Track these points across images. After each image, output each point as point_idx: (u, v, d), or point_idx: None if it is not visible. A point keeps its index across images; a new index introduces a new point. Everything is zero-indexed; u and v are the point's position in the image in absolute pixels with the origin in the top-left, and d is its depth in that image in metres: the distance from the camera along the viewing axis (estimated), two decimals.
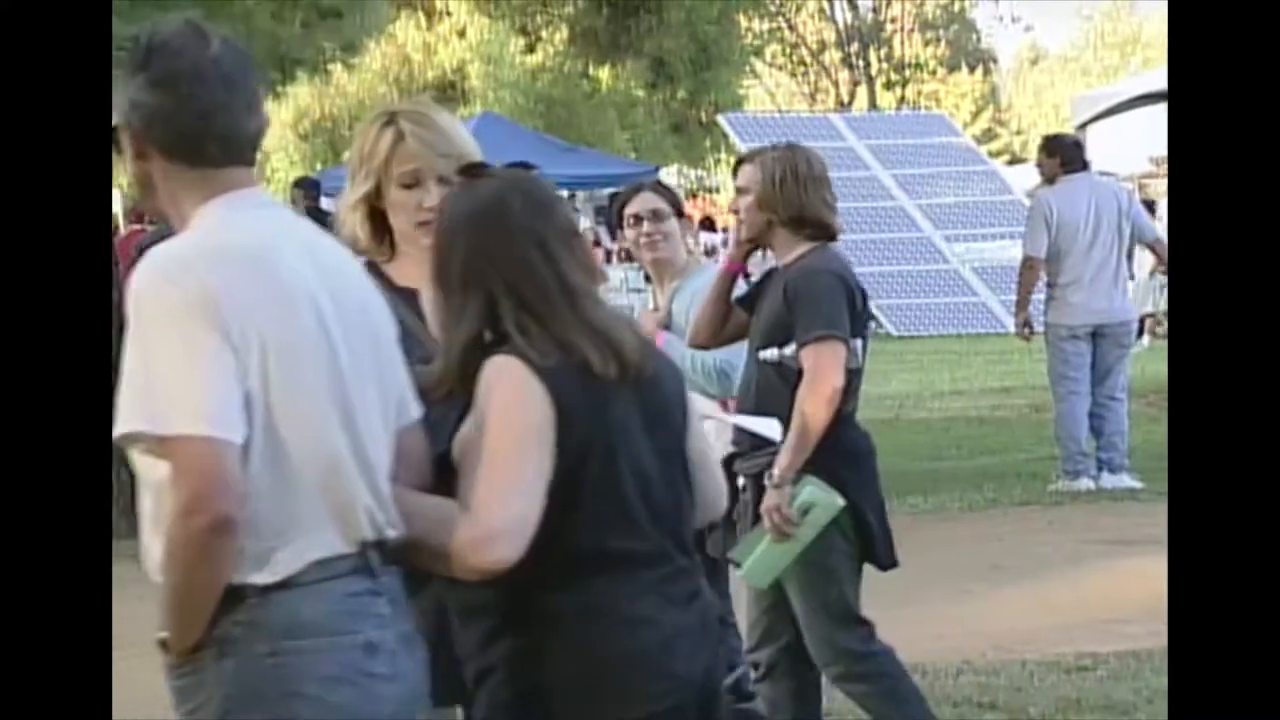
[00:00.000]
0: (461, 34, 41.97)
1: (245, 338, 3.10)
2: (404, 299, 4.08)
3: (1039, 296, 12.46)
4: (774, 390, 5.79)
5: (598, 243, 30.93)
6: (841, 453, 5.77)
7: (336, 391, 3.22)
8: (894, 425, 15.85)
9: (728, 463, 5.72)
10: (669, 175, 39.39)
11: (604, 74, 38.74)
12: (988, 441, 15.14)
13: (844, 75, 60.23)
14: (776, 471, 5.66)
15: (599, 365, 3.41)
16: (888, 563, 5.98)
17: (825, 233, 5.92)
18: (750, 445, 5.84)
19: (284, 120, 41.45)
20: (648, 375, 3.48)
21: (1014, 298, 13.08)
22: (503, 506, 3.33)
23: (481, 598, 3.42)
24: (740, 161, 6.13)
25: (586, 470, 3.42)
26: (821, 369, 5.69)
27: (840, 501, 5.71)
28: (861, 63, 59.30)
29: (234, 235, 3.17)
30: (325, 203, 20.65)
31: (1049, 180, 12.50)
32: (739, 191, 6.04)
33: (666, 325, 6.50)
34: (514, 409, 3.37)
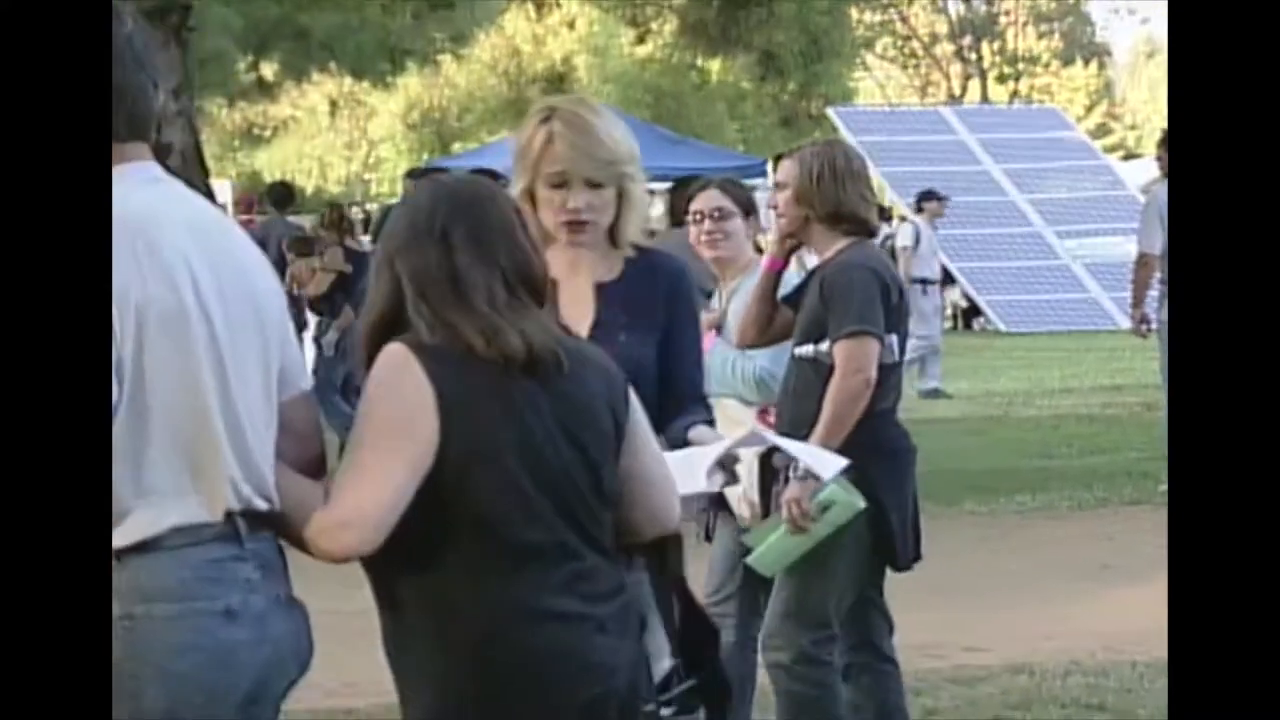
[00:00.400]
0: (571, 25, 42.04)
1: (122, 305, 3.18)
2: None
3: (1153, 293, 12.37)
4: (809, 386, 5.76)
5: None
6: (875, 449, 5.71)
7: (212, 362, 3.26)
8: (1003, 422, 15.74)
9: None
10: None
11: (713, 66, 38.70)
12: (1098, 440, 15.03)
13: (956, 68, 59.97)
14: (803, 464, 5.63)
15: (482, 351, 3.42)
16: (904, 564, 5.91)
17: (863, 228, 5.90)
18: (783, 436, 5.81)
19: (393, 111, 41.70)
20: (564, 374, 3.48)
21: (1125, 294, 12.98)
22: (353, 494, 3.34)
23: (388, 585, 3.46)
24: (780, 157, 6.11)
25: (477, 460, 3.40)
26: (852, 364, 5.66)
27: (860, 504, 5.64)
28: (974, 55, 59.04)
29: (119, 207, 3.23)
30: None
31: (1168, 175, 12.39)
32: (778, 187, 6.02)
33: (719, 326, 6.45)
34: (383, 397, 3.39)
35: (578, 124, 4.29)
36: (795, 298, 6.01)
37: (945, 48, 60.35)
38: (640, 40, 40.41)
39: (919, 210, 21.48)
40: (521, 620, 3.42)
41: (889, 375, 5.81)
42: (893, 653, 6.01)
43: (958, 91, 57.95)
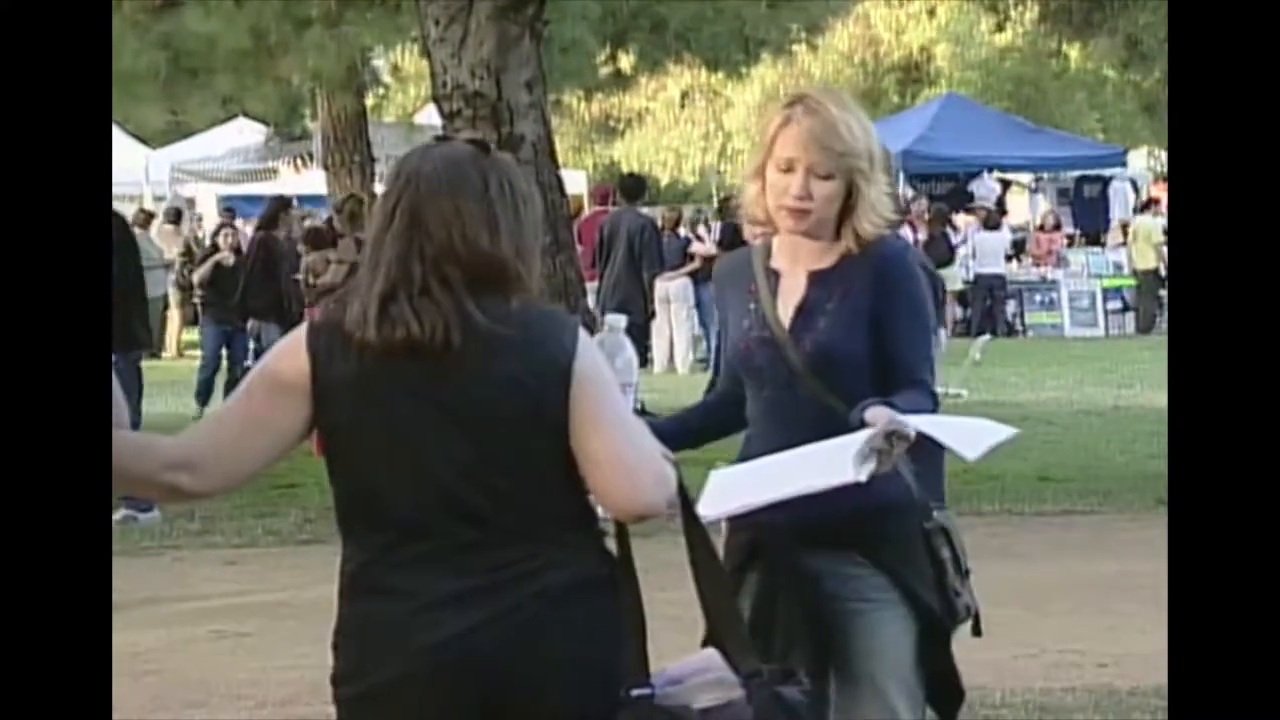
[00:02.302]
0: (931, 13, 41.71)
1: None
2: (769, 279, 4.33)
3: None
4: None
5: (1058, 226, 30.43)
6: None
7: None
8: None
9: None
10: (1138, 158, 38.52)
11: (1074, 53, 38.07)
12: None
13: None
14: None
15: (349, 327, 3.52)
16: None
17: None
18: None
19: (748, 102, 41.76)
20: (455, 358, 3.49)
21: None
22: (192, 435, 3.64)
23: None
24: None
25: (339, 436, 3.56)
26: None
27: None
28: None
29: None
30: None
31: None
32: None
33: None
34: (266, 359, 3.65)
35: (818, 112, 4.27)
36: None
37: None
38: (1000, 27, 39.86)
39: None
40: (353, 591, 3.58)
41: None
42: None
43: None
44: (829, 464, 4.04)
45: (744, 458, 4.33)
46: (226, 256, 18.83)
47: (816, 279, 4.32)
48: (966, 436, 4.21)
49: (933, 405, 4.25)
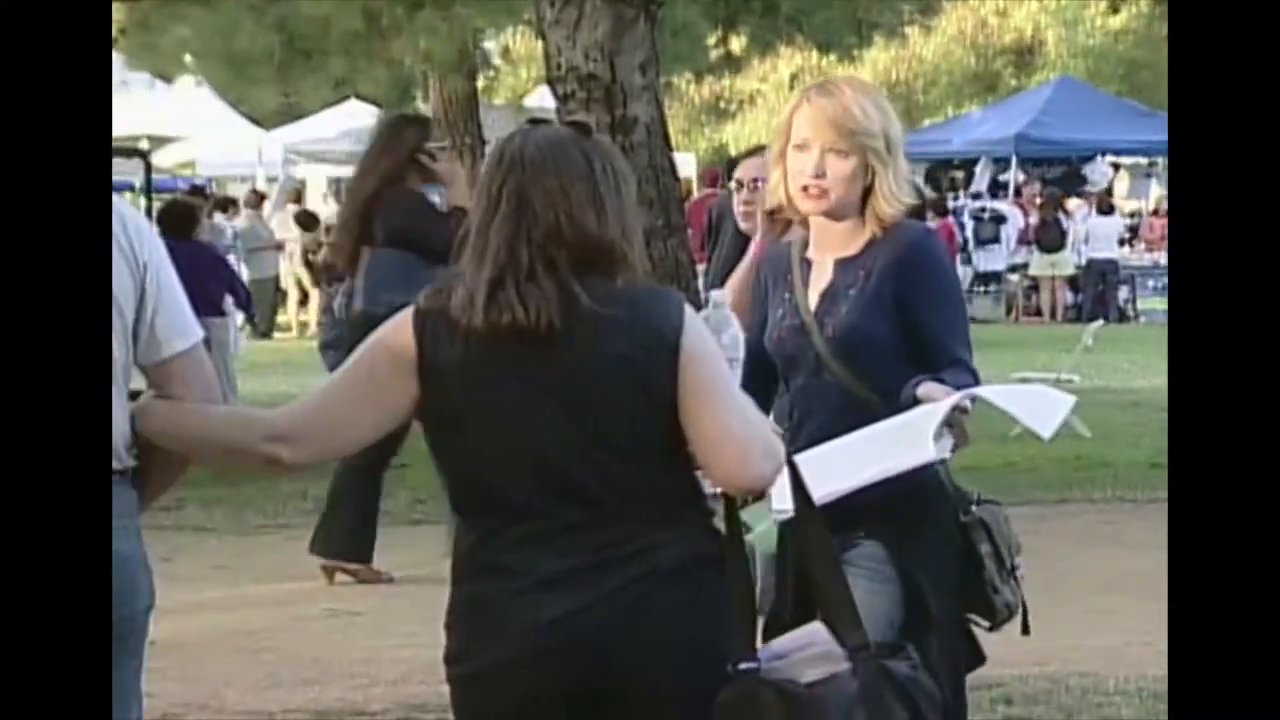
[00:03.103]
0: None
1: None
2: (804, 270, 4.40)
3: None
4: None
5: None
6: None
7: None
8: None
9: None
10: None
11: None
12: None
13: None
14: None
15: (456, 312, 3.53)
16: None
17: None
18: None
19: None
20: (562, 341, 3.50)
21: None
22: (292, 410, 3.68)
23: None
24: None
25: (445, 421, 3.59)
26: None
27: None
28: None
29: None
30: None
31: None
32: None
33: None
34: (372, 341, 3.65)
35: (832, 93, 4.33)
36: None
37: None
38: (1113, 11, 39.61)
39: None
40: (464, 571, 3.62)
41: None
42: None
43: None
44: (906, 444, 4.04)
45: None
46: None
47: (842, 265, 4.38)
48: (1034, 410, 4.17)
49: (974, 382, 4.25)
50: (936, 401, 4.11)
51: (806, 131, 4.32)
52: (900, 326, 4.31)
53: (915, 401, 4.13)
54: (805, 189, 4.34)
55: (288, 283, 27.34)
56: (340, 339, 12.25)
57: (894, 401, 4.19)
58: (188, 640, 7.41)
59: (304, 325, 26.19)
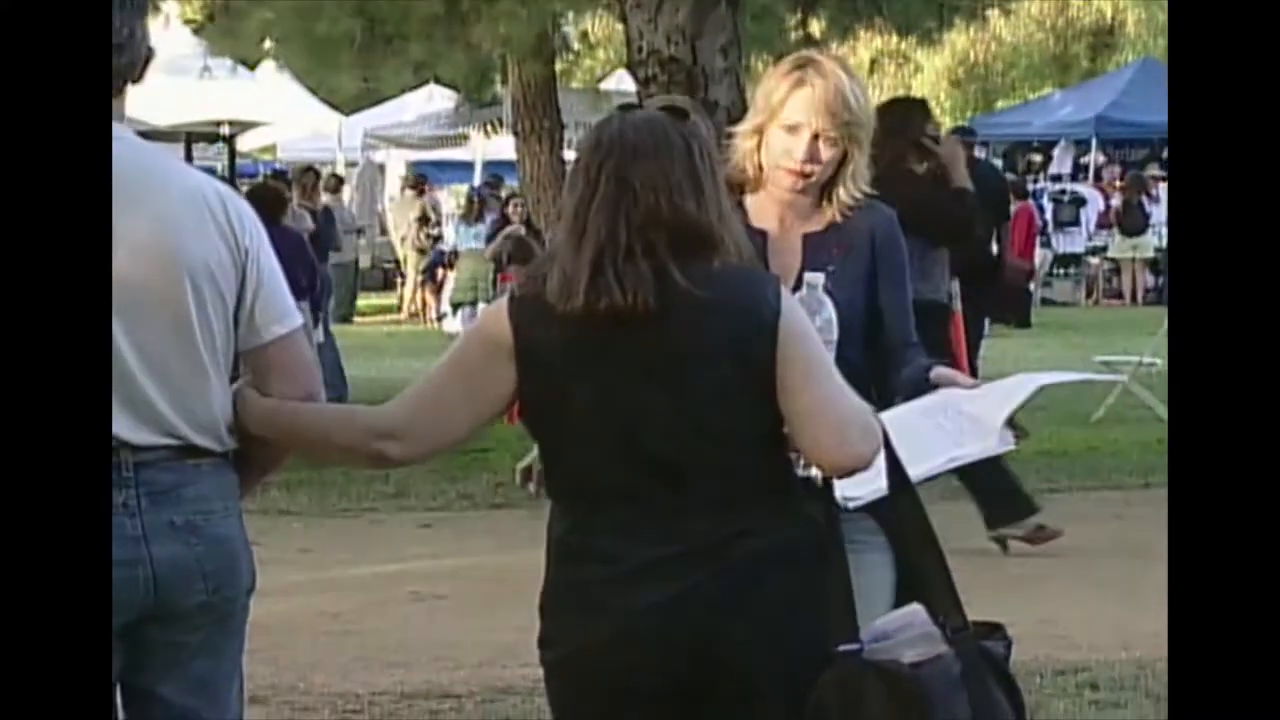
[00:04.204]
0: None
1: None
2: (752, 238, 4.26)
3: None
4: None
5: None
6: None
7: (118, 309, 3.49)
8: None
9: None
10: None
11: None
12: None
13: None
14: None
15: (552, 298, 3.53)
16: None
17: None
18: None
19: (938, 67, 41.46)
20: (657, 323, 3.49)
21: None
22: (398, 406, 3.67)
23: None
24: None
25: (544, 405, 3.59)
26: None
27: None
28: None
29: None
30: (978, 151, 20.49)
31: None
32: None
33: None
34: (470, 331, 3.71)
35: (829, 77, 4.29)
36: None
37: None
38: None
39: None
40: (559, 555, 3.63)
41: None
42: None
43: None
44: (973, 434, 4.03)
45: None
46: (518, 229, 18.27)
47: (813, 241, 4.37)
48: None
49: (929, 360, 4.34)
50: (958, 387, 4.15)
51: (800, 115, 4.30)
52: (867, 303, 4.35)
53: (928, 385, 4.16)
54: (789, 171, 4.32)
55: (407, 268, 27.52)
56: None
57: (857, 373, 4.14)
58: (274, 623, 7.44)
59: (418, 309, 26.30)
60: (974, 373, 12.37)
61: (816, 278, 4.20)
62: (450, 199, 29.73)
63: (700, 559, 3.53)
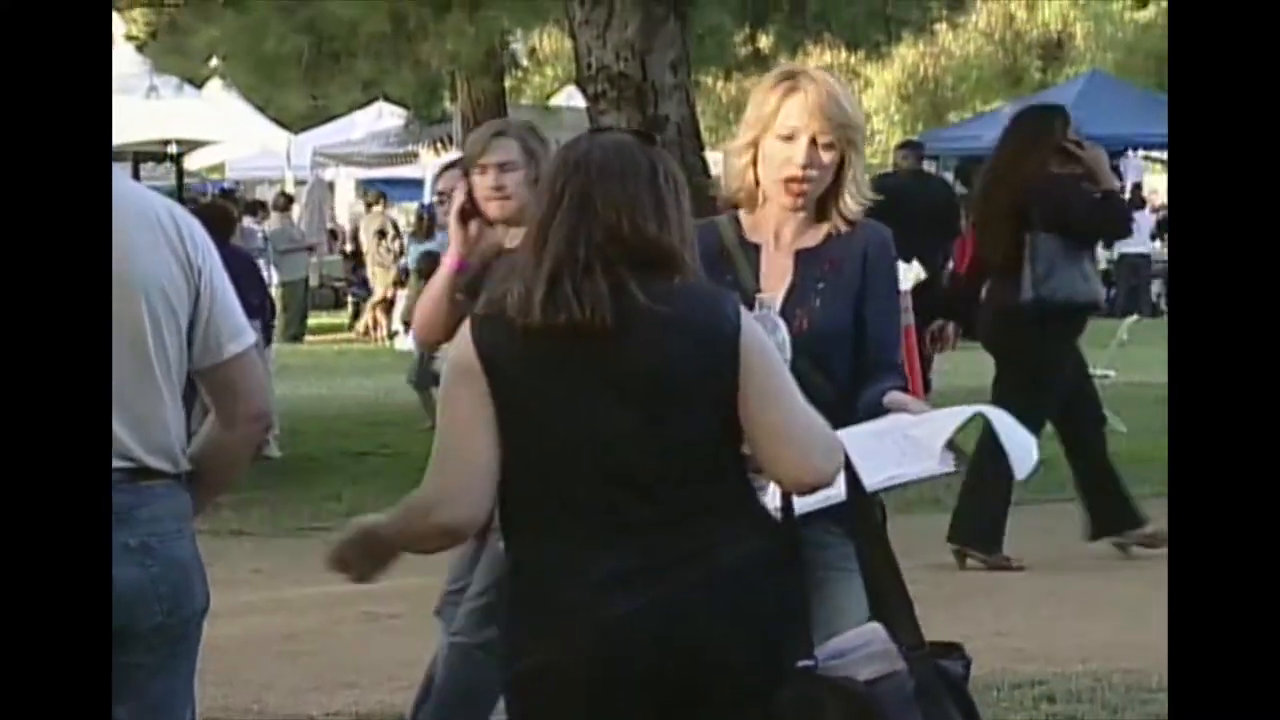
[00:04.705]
0: None
1: None
2: (747, 252, 4.31)
3: None
4: None
5: None
6: None
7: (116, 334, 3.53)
8: None
9: None
10: None
11: None
12: None
13: None
14: None
15: (512, 311, 3.55)
16: None
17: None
18: None
19: (887, 81, 41.60)
20: (617, 338, 3.50)
21: None
22: (428, 473, 3.64)
23: None
24: (496, 134, 5.84)
25: (514, 415, 3.57)
26: None
27: None
28: None
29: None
30: (927, 165, 20.56)
31: None
32: (500, 168, 5.76)
33: None
34: (444, 373, 3.70)
35: (821, 83, 4.29)
36: (476, 288, 5.72)
37: None
38: (1142, 4, 39.52)
39: None
40: (519, 570, 3.62)
41: None
42: None
43: None
44: (914, 454, 4.05)
45: None
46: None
47: (805, 257, 4.35)
48: (1018, 442, 4.20)
49: (903, 383, 4.33)
50: (908, 412, 4.14)
51: (795, 121, 4.28)
52: (855, 321, 4.33)
53: (880, 409, 4.15)
54: (790, 180, 4.29)
55: (375, 285, 27.45)
56: None
57: (846, 392, 4.21)
58: (228, 644, 7.42)
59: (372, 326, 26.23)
60: (927, 386, 12.46)
61: (771, 299, 4.19)
62: (401, 217, 29.70)
63: (661, 574, 3.54)
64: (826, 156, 4.29)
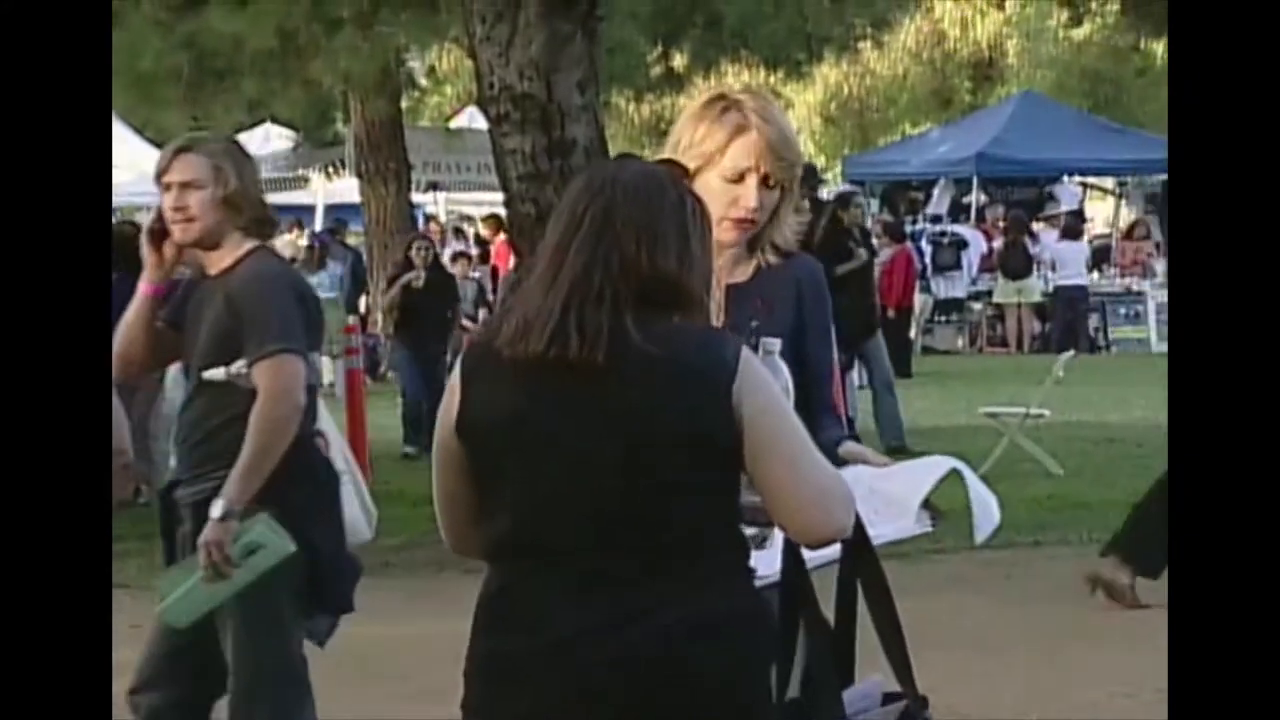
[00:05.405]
0: (1000, 6, 41.67)
1: None
2: None
3: None
4: (221, 413, 5.59)
5: (1145, 234, 30.34)
6: (296, 476, 5.56)
7: None
8: None
9: (168, 490, 5.70)
10: None
11: (1158, 48, 38.04)
12: None
13: None
14: (223, 501, 5.44)
15: (502, 342, 3.55)
16: (336, 607, 5.76)
17: (268, 232, 5.81)
18: (193, 471, 5.63)
19: (809, 102, 41.79)
20: (606, 377, 3.51)
21: None
22: (444, 530, 3.75)
23: None
24: (180, 150, 5.78)
25: (492, 452, 3.59)
26: (280, 387, 5.53)
27: (291, 547, 5.47)
28: None
29: None
30: (846, 187, 20.66)
31: None
32: (183, 187, 5.70)
33: None
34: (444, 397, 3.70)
35: (772, 122, 4.30)
36: (176, 316, 5.78)
37: None
38: (1076, 22, 39.86)
39: None
40: (483, 619, 3.62)
41: (310, 398, 5.67)
42: None
43: None
44: (888, 514, 4.07)
45: None
46: (418, 276, 17.35)
47: (736, 295, 4.36)
48: (983, 503, 4.24)
49: (844, 432, 4.38)
50: (867, 464, 4.17)
51: (747, 163, 4.28)
52: (794, 357, 4.32)
53: (836, 460, 4.11)
54: (741, 221, 4.30)
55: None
56: None
57: None
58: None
59: None
60: (850, 426, 12.46)
61: (773, 343, 4.17)
62: (288, 250, 29.60)
63: (628, 630, 3.53)
64: (768, 196, 4.31)
